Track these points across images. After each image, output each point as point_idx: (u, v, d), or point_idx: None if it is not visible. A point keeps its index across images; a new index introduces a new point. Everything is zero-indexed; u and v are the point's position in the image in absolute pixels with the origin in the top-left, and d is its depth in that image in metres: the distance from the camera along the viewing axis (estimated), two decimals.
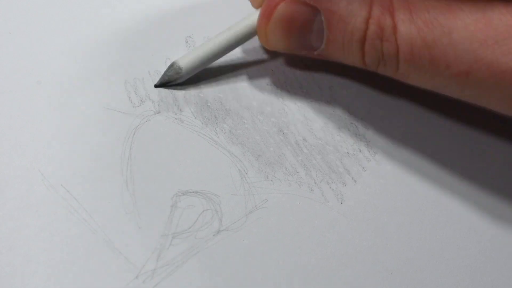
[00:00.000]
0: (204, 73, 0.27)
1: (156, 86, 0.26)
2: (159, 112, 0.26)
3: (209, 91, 0.27)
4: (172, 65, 0.26)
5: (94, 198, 0.23)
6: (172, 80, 0.26)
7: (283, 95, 0.27)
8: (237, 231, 0.23)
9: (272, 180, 0.25)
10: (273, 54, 0.28)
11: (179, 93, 0.27)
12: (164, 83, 0.26)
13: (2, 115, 0.26)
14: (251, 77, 0.28)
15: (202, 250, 0.23)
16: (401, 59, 0.22)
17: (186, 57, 0.26)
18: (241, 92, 0.27)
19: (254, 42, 0.28)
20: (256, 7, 0.26)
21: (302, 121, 0.26)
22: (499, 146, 0.26)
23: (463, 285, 0.23)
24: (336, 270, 0.23)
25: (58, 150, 0.25)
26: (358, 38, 0.23)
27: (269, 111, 0.27)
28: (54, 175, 0.24)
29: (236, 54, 0.28)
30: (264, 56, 0.29)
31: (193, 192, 0.24)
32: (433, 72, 0.22)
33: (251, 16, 0.26)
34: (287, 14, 0.24)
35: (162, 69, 0.27)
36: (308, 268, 0.23)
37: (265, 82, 0.28)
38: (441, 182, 0.25)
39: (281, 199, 0.24)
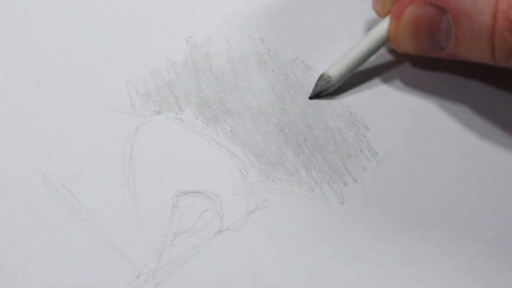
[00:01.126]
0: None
1: (310, 98, 0.27)
2: (160, 112, 0.26)
3: (210, 91, 0.27)
4: (322, 75, 0.27)
5: (95, 198, 0.23)
6: (324, 90, 0.27)
7: (284, 95, 0.27)
8: (238, 231, 0.23)
9: (273, 180, 0.25)
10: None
11: (180, 93, 0.27)
12: (317, 94, 0.27)
13: (2, 115, 0.26)
14: (251, 77, 0.28)
15: (203, 250, 0.23)
16: None
17: (334, 66, 0.27)
18: (242, 92, 0.27)
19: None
20: (382, 17, 0.28)
21: (303, 121, 0.27)
22: (500, 146, 0.26)
23: (463, 285, 0.23)
24: (337, 270, 0.23)
25: (59, 150, 0.25)
26: (487, 33, 0.23)
27: (270, 111, 0.27)
28: (55, 175, 0.24)
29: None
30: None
31: (194, 192, 0.24)
32: None
33: (384, 22, 0.27)
34: (415, 16, 0.26)
35: (163, 68, 0.27)
36: (308, 268, 0.23)
37: (265, 82, 0.28)
38: (441, 182, 0.25)
39: (282, 199, 0.24)
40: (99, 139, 0.25)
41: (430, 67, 0.29)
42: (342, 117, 0.27)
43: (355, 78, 0.28)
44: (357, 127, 0.26)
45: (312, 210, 0.24)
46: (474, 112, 0.27)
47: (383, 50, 0.29)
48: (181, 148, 0.25)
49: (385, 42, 0.27)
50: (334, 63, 0.27)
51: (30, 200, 0.23)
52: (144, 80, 0.27)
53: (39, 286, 0.21)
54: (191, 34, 0.29)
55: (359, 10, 0.31)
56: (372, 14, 0.29)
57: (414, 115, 0.27)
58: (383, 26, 0.27)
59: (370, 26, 0.30)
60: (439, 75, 0.29)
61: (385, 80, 0.28)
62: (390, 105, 0.27)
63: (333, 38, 0.30)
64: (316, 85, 0.27)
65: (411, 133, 0.26)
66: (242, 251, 0.23)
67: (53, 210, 0.23)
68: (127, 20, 0.30)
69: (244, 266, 0.22)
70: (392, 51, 0.29)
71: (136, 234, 0.23)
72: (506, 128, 0.27)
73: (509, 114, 0.27)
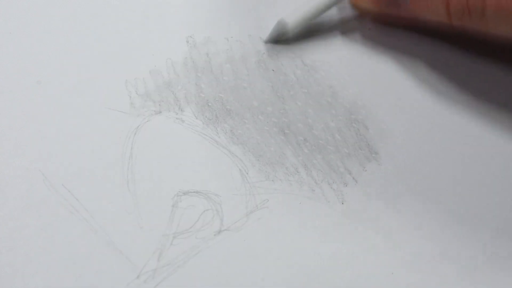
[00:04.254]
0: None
1: (265, 42, 0.28)
2: (160, 112, 0.26)
3: (210, 91, 0.27)
4: (278, 21, 0.28)
5: (95, 198, 0.23)
6: (280, 36, 0.28)
7: (284, 95, 0.27)
8: (238, 231, 0.23)
9: (273, 180, 0.25)
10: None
11: (180, 93, 0.27)
12: (272, 39, 0.28)
13: (2, 115, 0.26)
14: (251, 77, 0.28)
15: (203, 250, 0.23)
16: (487, 9, 0.23)
17: (292, 14, 0.28)
18: (242, 92, 0.27)
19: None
20: None
21: (303, 121, 0.27)
22: (500, 146, 0.26)
23: (463, 285, 0.23)
24: (337, 270, 0.23)
25: (59, 150, 0.25)
26: None
27: (270, 111, 0.27)
28: (55, 175, 0.24)
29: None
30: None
31: (194, 192, 0.24)
32: None
33: None
34: None
35: (163, 68, 0.27)
36: (309, 268, 0.23)
37: (265, 82, 0.28)
38: (441, 182, 0.25)
39: (282, 199, 0.24)
40: (99, 139, 0.25)
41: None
42: (342, 117, 0.27)
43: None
44: (357, 127, 0.26)
45: (312, 210, 0.24)
46: (474, 112, 0.27)
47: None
48: (181, 148, 0.25)
49: None
50: (293, 10, 0.28)
51: (30, 200, 0.23)
52: (144, 80, 0.27)
53: (39, 286, 0.21)
54: (191, 34, 0.29)
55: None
56: None
57: (414, 115, 0.27)
58: None
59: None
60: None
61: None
62: (390, 105, 0.27)
63: (333, 37, 0.30)
64: (273, 30, 0.28)
65: (411, 133, 0.26)
66: (242, 251, 0.23)
67: (53, 210, 0.23)
68: (127, 20, 0.29)
69: (244, 266, 0.22)
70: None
71: (136, 234, 0.23)
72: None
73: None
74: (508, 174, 0.25)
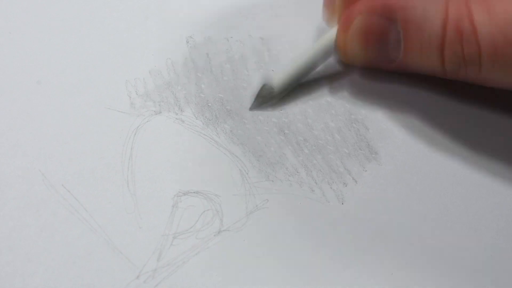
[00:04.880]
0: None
1: (251, 109, 0.27)
2: (160, 112, 0.26)
3: (209, 91, 0.27)
4: (264, 86, 0.26)
5: (95, 198, 0.23)
6: (266, 101, 0.26)
7: (284, 95, 0.27)
8: (238, 231, 0.23)
9: (273, 180, 0.25)
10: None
11: (180, 93, 0.27)
12: (258, 105, 0.27)
13: (2, 115, 0.26)
14: (251, 77, 0.28)
15: (203, 250, 0.23)
16: (483, 59, 0.22)
17: (277, 77, 0.26)
18: (242, 92, 0.27)
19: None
20: (329, 23, 0.27)
21: (303, 121, 0.27)
22: (500, 145, 0.26)
23: (463, 285, 0.23)
24: (337, 270, 0.23)
25: (59, 150, 0.25)
26: (437, 44, 0.23)
27: (270, 111, 0.27)
28: (55, 175, 0.24)
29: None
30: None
31: (194, 192, 0.24)
32: None
33: (330, 33, 0.26)
34: (364, 26, 0.25)
35: (163, 68, 0.27)
36: (308, 268, 0.23)
37: (265, 82, 0.28)
38: (441, 182, 0.25)
39: (282, 199, 0.24)
40: (99, 139, 0.25)
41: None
42: (342, 117, 0.27)
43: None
44: (357, 127, 0.26)
45: (312, 210, 0.24)
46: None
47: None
48: (181, 148, 0.25)
49: (332, 52, 0.26)
50: (278, 72, 0.27)
51: (30, 200, 0.23)
52: (144, 80, 0.27)
53: (39, 286, 0.21)
54: (191, 34, 0.29)
55: None
56: None
57: (414, 115, 0.27)
58: (331, 36, 0.26)
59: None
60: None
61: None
62: (390, 105, 0.27)
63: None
64: (258, 96, 0.26)
65: (411, 133, 0.26)
66: (242, 251, 0.23)
67: (53, 210, 0.23)
68: (127, 20, 0.30)
69: (244, 266, 0.22)
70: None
71: (136, 234, 0.23)
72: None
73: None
74: (508, 174, 0.25)
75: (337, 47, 0.26)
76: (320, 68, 0.27)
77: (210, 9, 0.30)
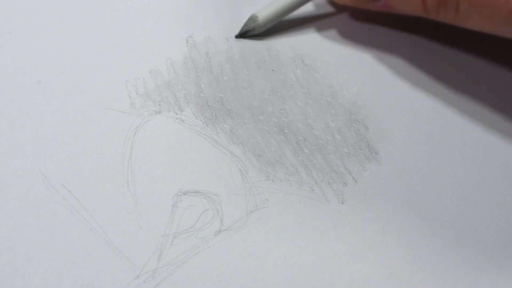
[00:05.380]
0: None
1: (236, 36, 0.29)
2: (160, 112, 0.26)
3: (209, 91, 0.27)
4: (250, 16, 0.28)
5: (95, 198, 0.23)
6: (250, 30, 0.28)
7: (284, 95, 0.27)
8: (238, 231, 0.23)
9: (273, 180, 0.25)
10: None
11: (180, 93, 0.27)
12: (243, 34, 0.28)
13: (2, 115, 0.26)
14: (251, 77, 0.28)
15: (203, 250, 0.23)
16: None
17: (264, 9, 0.28)
18: (241, 92, 0.27)
19: None
20: None
21: (303, 121, 0.27)
22: (500, 145, 0.26)
23: (463, 285, 0.23)
24: (337, 270, 0.23)
25: (59, 150, 0.25)
26: None
27: (270, 111, 0.27)
28: (55, 175, 0.24)
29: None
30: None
31: (194, 192, 0.24)
32: (494, 9, 0.23)
33: None
34: None
35: (163, 68, 0.27)
36: (308, 268, 0.23)
37: (265, 82, 0.28)
38: (441, 182, 0.25)
39: (282, 199, 0.24)
40: (99, 139, 0.25)
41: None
42: (342, 117, 0.27)
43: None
44: (357, 127, 0.26)
45: (312, 210, 0.24)
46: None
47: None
48: (181, 148, 0.25)
49: None
50: (266, 5, 0.28)
51: (30, 200, 0.23)
52: (144, 80, 0.27)
53: (39, 286, 0.21)
54: (191, 34, 0.29)
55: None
56: None
57: (414, 115, 0.27)
58: None
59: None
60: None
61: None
62: (390, 105, 0.27)
63: (333, 37, 0.30)
64: (244, 24, 0.28)
65: (411, 133, 0.26)
66: (242, 251, 0.23)
67: (53, 210, 0.23)
68: (127, 20, 0.30)
69: (244, 266, 0.22)
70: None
71: (136, 234, 0.23)
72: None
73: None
74: (508, 174, 0.25)
75: None
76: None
77: (210, 9, 0.30)
